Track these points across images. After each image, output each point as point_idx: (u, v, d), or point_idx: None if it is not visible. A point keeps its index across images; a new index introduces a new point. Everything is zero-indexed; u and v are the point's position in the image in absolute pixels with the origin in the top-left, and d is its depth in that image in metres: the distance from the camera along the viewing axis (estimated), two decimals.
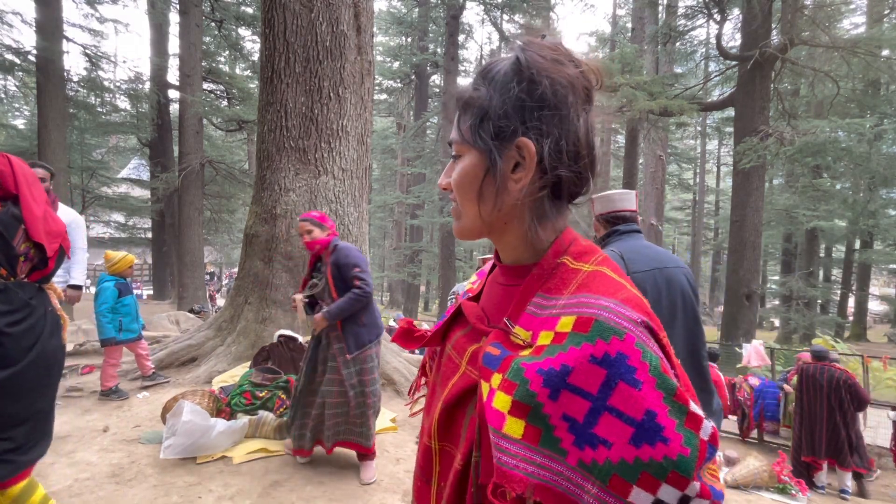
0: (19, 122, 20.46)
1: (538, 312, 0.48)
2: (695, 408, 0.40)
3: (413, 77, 18.97)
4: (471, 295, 0.65)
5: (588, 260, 0.52)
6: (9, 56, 11.05)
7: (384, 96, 21.28)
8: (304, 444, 2.56)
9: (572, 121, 0.49)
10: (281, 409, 3.07)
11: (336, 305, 2.41)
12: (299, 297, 2.54)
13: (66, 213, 3.21)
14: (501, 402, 0.43)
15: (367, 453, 2.58)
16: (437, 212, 15.36)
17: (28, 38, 16.16)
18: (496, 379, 0.45)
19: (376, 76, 16.39)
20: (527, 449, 0.41)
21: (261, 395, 3.13)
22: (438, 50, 17.99)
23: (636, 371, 0.40)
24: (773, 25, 11.00)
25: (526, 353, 0.45)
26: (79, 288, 3.26)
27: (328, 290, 2.49)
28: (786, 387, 6.13)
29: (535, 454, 0.41)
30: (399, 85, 19.95)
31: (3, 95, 15.02)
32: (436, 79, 20.12)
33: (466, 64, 18.91)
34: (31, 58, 10.26)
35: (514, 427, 0.42)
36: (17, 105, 21.67)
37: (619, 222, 1.81)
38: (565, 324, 0.44)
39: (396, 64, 19.92)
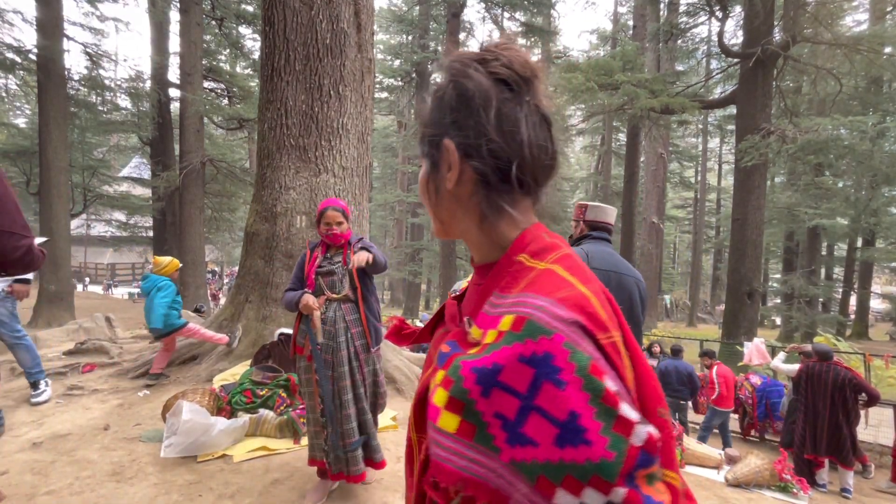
0: (20, 121, 20.50)
1: (490, 311, 0.49)
2: (627, 411, 0.39)
3: (414, 75, 18.93)
4: (458, 294, 0.66)
5: (544, 258, 0.52)
6: (10, 55, 11.05)
7: (385, 94, 21.24)
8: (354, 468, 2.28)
9: (488, 118, 0.51)
10: (281, 408, 3.07)
11: (378, 254, 2.31)
12: (313, 300, 2.19)
13: None
14: (439, 397, 0.43)
15: (378, 468, 2.42)
16: None
17: (29, 37, 16.17)
18: (439, 375, 0.45)
19: (377, 74, 16.37)
20: (460, 444, 0.42)
21: (261, 393, 3.13)
22: (439, 48, 17.95)
23: (561, 371, 0.39)
24: (776, 22, 10.95)
25: (473, 351, 0.46)
26: (27, 282, 3.16)
27: (350, 279, 2.32)
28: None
29: (469, 449, 0.41)
30: (400, 83, 19.92)
31: (4, 94, 15.02)
32: (436, 77, 20.08)
33: None
34: (32, 56, 10.26)
35: (449, 422, 0.42)
36: (18, 104, 21.72)
37: (598, 229, 2.13)
38: (505, 322, 0.44)
39: (397, 62, 19.88)
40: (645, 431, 0.39)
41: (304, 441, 2.95)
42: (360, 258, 2.19)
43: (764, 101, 10.59)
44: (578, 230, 2.19)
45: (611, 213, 2.18)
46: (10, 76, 12.66)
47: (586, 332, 0.43)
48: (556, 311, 0.43)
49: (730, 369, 6.30)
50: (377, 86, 19.04)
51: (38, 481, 2.33)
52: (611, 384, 0.40)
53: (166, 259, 4.17)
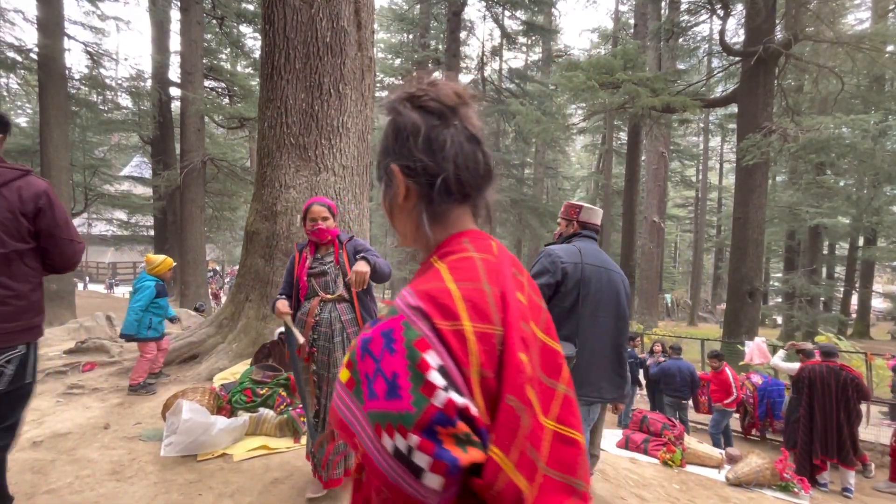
0: (21, 121, 20.51)
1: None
2: (434, 378, 0.49)
3: (414, 74, 18.92)
4: None
5: (444, 259, 0.62)
6: (10, 54, 11.05)
7: (385, 93, 21.20)
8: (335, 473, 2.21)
9: (416, 143, 0.63)
10: (281, 407, 3.06)
11: (376, 260, 2.17)
12: (283, 305, 2.16)
13: None
14: (345, 358, 0.57)
15: None
16: None
17: (30, 36, 16.17)
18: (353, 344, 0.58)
19: (377, 73, 16.34)
20: (345, 394, 0.54)
21: (261, 392, 3.13)
22: (440, 47, 17.93)
23: (395, 342, 0.51)
24: (777, 21, 10.91)
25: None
26: None
27: (343, 278, 2.27)
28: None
29: (349, 399, 0.53)
30: (400, 82, 19.90)
31: (5, 93, 15.03)
32: (437, 76, 20.06)
33: (468, 60, 18.81)
34: (33, 56, 10.27)
35: (344, 375, 0.55)
36: (19, 103, 21.73)
37: (587, 229, 2.34)
38: (389, 306, 0.58)
39: (398, 61, 19.86)
40: (446, 397, 0.49)
41: (304, 440, 2.95)
42: (360, 275, 2.01)
43: (765, 100, 10.55)
44: (571, 229, 2.37)
45: (600, 216, 2.41)
46: (12, 75, 12.66)
47: (425, 316, 0.53)
48: (408, 299, 0.56)
49: (732, 370, 6.29)
50: (378, 84, 19.02)
51: (38, 480, 2.33)
52: (429, 357, 0.50)
53: (159, 258, 4.10)
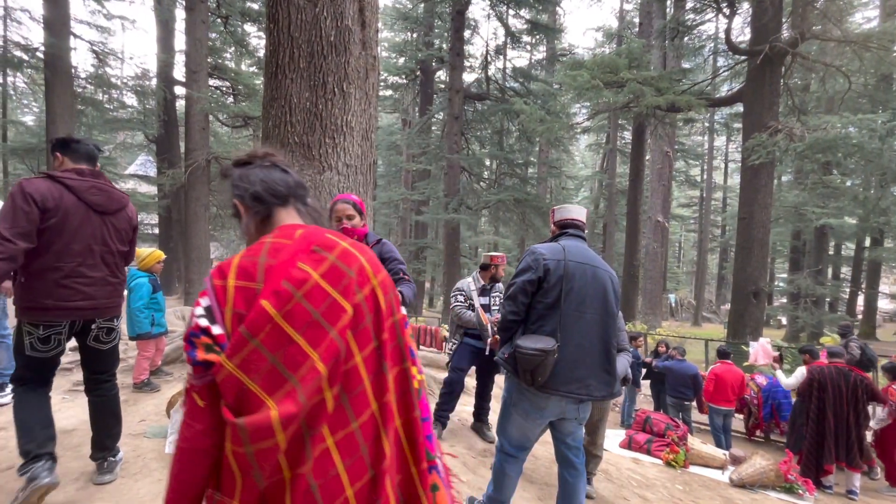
0: (28, 119, 20.68)
1: None
2: (196, 311, 0.89)
3: (418, 73, 18.89)
4: None
5: (247, 248, 1.01)
6: (17, 53, 11.14)
7: (389, 92, 21.22)
8: None
9: (237, 180, 1.08)
10: None
11: (408, 288, 2.05)
12: None
13: None
14: None
15: None
16: (442, 208, 15.32)
17: (36, 35, 16.27)
18: None
19: (381, 72, 16.36)
20: None
21: None
22: (444, 46, 17.90)
23: (201, 299, 0.92)
24: (784, 19, 10.83)
25: None
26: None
27: None
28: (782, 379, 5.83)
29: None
30: (404, 81, 19.88)
31: (12, 92, 15.15)
32: (441, 75, 20.04)
33: (472, 59, 18.77)
34: (40, 55, 10.34)
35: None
36: (25, 102, 21.90)
37: (570, 227, 2.34)
38: None
39: (402, 60, 19.84)
40: (195, 321, 0.89)
41: None
42: None
43: (771, 99, 10.48)
44: (552, 231, 2.45)
45: (575, 211, 2.38)
46: (18, 74, 12.78)
47: (210, 277, 0.92)
48: (212, 270, 0.94)
49: (731, 369, 6.23)
50: (381, 83, 19.04)
51: None
52: (202, 300, 0.90)
53: (146, 251, 3.98)
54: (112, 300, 2.25)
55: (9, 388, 3.34)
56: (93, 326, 2.20)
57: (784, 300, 19.55)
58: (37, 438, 2.04)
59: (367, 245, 2.17)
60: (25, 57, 11.08)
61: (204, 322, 0.86)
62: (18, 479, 2.29)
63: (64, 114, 9.39)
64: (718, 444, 5.70)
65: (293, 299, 0.88)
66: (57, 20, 9.35)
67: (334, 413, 0.89)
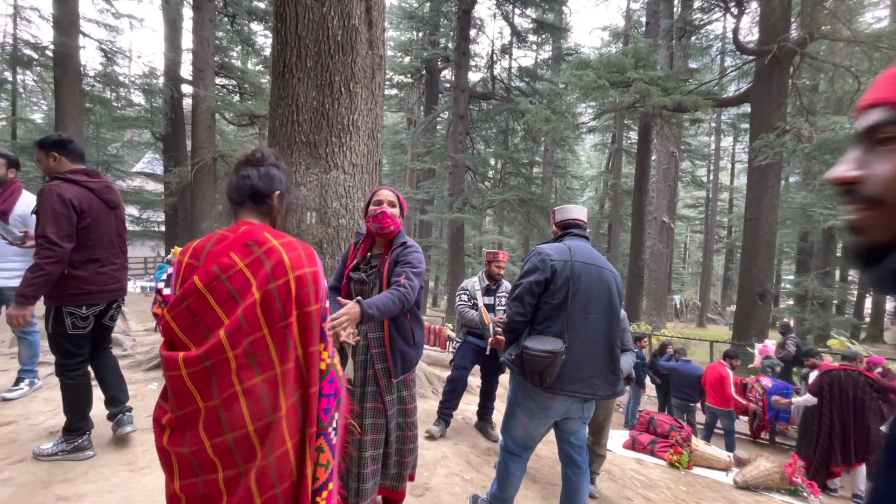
0: (37, 117, 20.88)
1: None
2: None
3: (424, 72, 18.90)
4: None
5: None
6: (27, 51, 11.26)
7: (395, 91, 21.24)
8: (363, 502, 1.94)
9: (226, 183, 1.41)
10: None
11: (379, 300, 1.78)
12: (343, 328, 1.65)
13: (23, 203, 3.16)
14: None
15: (396, 500, 2.15)
16: (447, 207, 15.33)
17: (46, 34, 16.42)
18: None
19: (388, 71, 16.36)
20: None
21: None
22: (449, 45, 17.90)
23: (170, 268, 2.30)
24: (793, 19, 10.74)
25: None
26: None
27: (379, 289, 1.96)
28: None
29: None
30: (410, 80, 19.89)
31: (21, 90, 15.30)
32: (446, 74, 20.04)
33: (477, 59, 18.74)
34: (49, 53, 10.44)
35: None
36: (35, 100, 22.10)
37: (573, 227, 2.35)
38: None
39: (407, 59, 19.86)
40: (157, 286, 2.64)
41: None
42: (336, 322, 1.59)
43: (779, 100, 10.41)
44: (558, 232, 2.43)
45: (576, 211, 2.40)
46: (28, 72, 12.88)
47: (180, 253, 1.26)
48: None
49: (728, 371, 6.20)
50: (387, 82, 19.04)
51: (54, 469, 2.38)
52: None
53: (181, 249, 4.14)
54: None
55: (23, 383, 3.39)
56: (114, 305, 2.60)
57: (790, 302, 19.41)
58: (86, 417, 2.53)
59: (393, 246, 2.04)
60: (35, 55, 11.20)
61: (162, 286, 1.58)
62: (31, 472, 2.33)
63: (73, 112, 9.48)
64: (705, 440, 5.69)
65: (218, 279, 1.20)
66: (66, 19, 9.44)
67: (243, 368, 1.17)
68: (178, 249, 4.16)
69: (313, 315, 1.28)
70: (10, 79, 13.32)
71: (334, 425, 1.36)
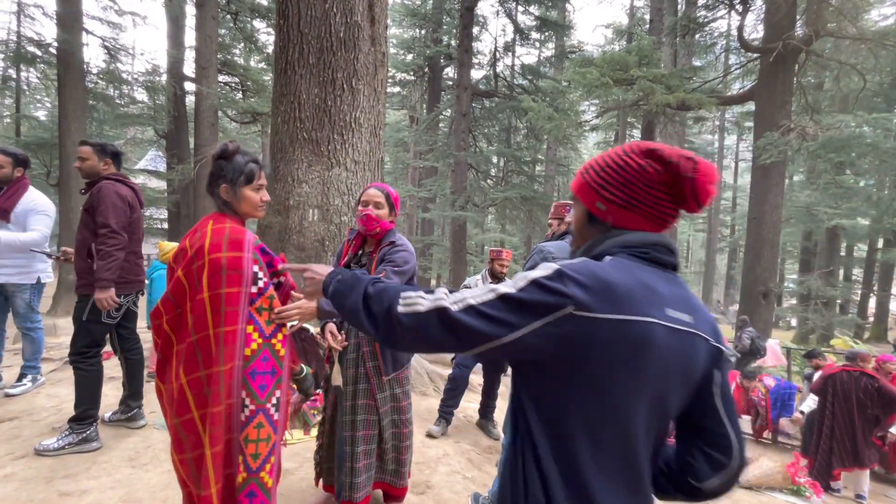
0: (41, 114, 20.90)
1: None
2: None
3: (426, 70, 18.85)
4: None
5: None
6: (31, 48, 11.27)
7: (397, 89, 21.20)
8: (356, 495, 1.94)
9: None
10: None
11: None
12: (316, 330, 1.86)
13: (27, 200, 3.16)
14: None
15: (397, 495, 2.16)
16: (449, 205, 15.30)
17: (49, 31, 16.46)
18: None
19: (390, 69, 16.33)
20: None
21: None
22: (452, 42, 17.84)
23: None
24: (798, 16, 10.66)
25: None
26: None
27: None
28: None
29: None
30: (412, 78, 19.84)
31: (25, 87, 15.32)
32: (449, 71, 19.98)
33: (480, 56, 18.66)
34: (52, 50, 10.44)
35: None
36: (38, 97, 22.15)
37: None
38: None
39: (410, 56, 19.80)
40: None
41: (314, 432, 2.98)
42: (281, 314, 1.53)
43: (784, 98, 10.34)
44: (563, 227, 2.38)
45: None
46: (32, 69, 12.91)
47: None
48: None
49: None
50: (390, 80, 19.00)
51: (56, 465, 2.39)
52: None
53: (169, 245, 4.00)
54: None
55: (26, 379, 3.40)
56: (139, 294, 2.88)
57: (794, 301, 19.33)
58: (98, 404, 2.69)
59: (381, 245, 2.02)
60: (38, 52, 11.21)
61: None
62: (33, 468, 2.34)
63: (76, 109, 9.49)
64: None
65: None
66: (69, 16, 9.44)
67: (179, 332, 1.47)
68: (164, 244, 4.15)
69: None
70: (14, 76, 13.36)
71: (273, 402, 1.47)
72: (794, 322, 19.25)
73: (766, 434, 6.74)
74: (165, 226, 16.01)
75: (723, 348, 0.89)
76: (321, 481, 2.19)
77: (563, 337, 0.75)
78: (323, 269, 1.15)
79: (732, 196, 30.29)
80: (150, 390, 3.60)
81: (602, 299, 0.75)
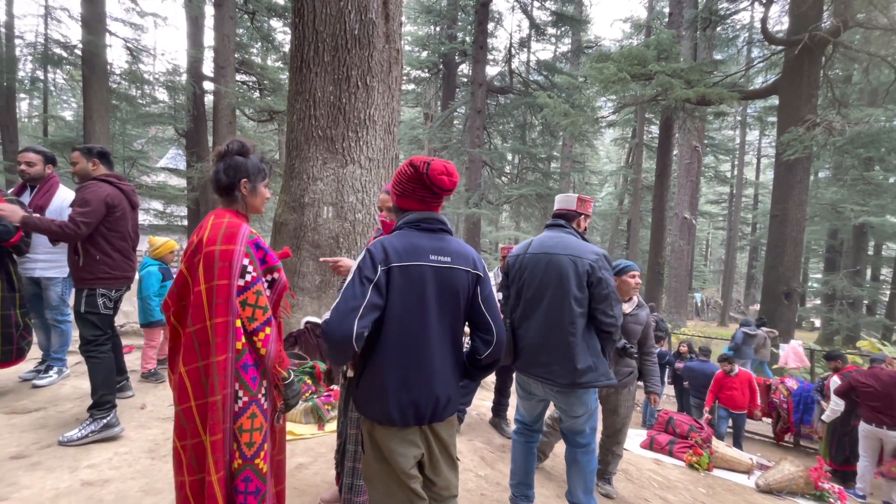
0: (67, 114, 21.54)
1: None
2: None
3: (441, 66, 18.81)
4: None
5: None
6: (57, 50, 11.61)
7: (411, 86, 21.21)
8: (357, 499, 1.94)
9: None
10: (307, 395, 3.14)
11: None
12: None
13: (60, 198, 3.25)
14: None
15: None
16: (463, 203, 15.28)
17: (74, 33, 16.91)
18: None
19: (404, 66, 16.34)
20: None
21: None
22: (467, 39, 17.75)
23: None
24: (825, 7, 10.30)
25: None
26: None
27: None
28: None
29: None
30: (427, 75, 19.82)
31: (52, 88, 15.79)
32: (464, 68, 19.90)
33: (495, 52, 18.54)
34: (78, 52, 10.73)
35: None
36: (64, 97, 22.82)
37: (555, 217, 2.46)
38: None
39: (424, 53, 19.78)
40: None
41: (328, 427, 3.01)
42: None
43: (810, 91, 10.01)
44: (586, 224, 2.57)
45: (559, 201, 2.51)
46: (58, 70, 13.30)
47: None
48: None
49: (747, 372, 6.04)
50: (404, 77, 19.01)
51: (80, 454, 2.46)
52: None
53: (160, 240, 4.00)
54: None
55: (52, 371, 3.51)
56: (124, 290, 2.91)
57: (818, 301, 18.78)
58: (115, 388, 2.82)
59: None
60: (65, 54, 11.53)
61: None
62: (58, 457, 2.41)
63: (100, 109, 9.74)
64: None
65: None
66: (93, 18, 9.69)
67: (182, 323, 1.53)
68: (154, 239, 4.14)
69: (214, 290, 1.45)
70: (42, 77, 13.78)
71: (263, 391, 1.53)
72: (817, 323, 18.70)
73: (788, 437, 6.58)
74: (185, 223, 16.33)
75: (479, 273, 1.54)
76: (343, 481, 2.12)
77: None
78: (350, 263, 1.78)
79: (754, 193, 29.52)
80: (168, 384, 3.69)
81: (391, 256, 1.42)
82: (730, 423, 5.86)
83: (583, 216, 2.46)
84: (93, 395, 2.66)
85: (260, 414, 1.50)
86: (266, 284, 1.57)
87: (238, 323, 1.48)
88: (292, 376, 1.61)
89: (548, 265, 2.24)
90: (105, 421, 2.64)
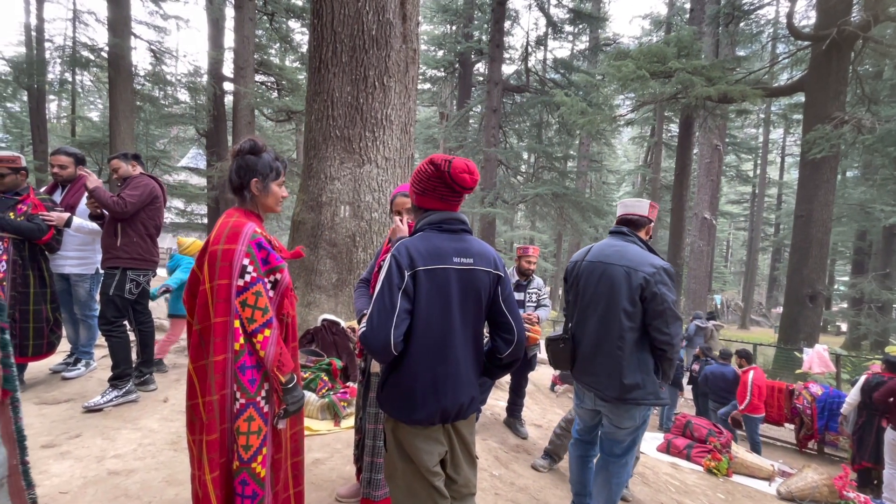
0: (94, 115, 22.21)
1: None
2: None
3: (457, 66, 18.79)
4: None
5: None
6: (85, 53, 11.98)
7: (427, 86, 21.24)
8: (375, 493, 1.94)
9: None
10: (323, 391, 3.18)
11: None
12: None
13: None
14: None
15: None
16: (478, 202, 15.24)
17: (101, 36, 17.41)
18: None
19: (420, 65, 16.37)
20: None
21: (304, 376, 3.25)
22: (483, 37, 17.70)
23: None
24: (855, 1, 9.97)
25: None
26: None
27: None
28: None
29: None
30: (443, 74, 19.83)
31: (80, 90, 16.29)
32: (480, 67, 19.84)
33: (512, 51, 18.43)
34: (104, 54, 11.06)
35: None
36: (91, 99, 23.52)
37: (619, 223, 2.36)
38: None
39: (440, 52, 19.80)
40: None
41: (345, 423, 3.04)
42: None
43: (837, 88, 9.70)
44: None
45: (623, 206, 2.39)
46: (85, 72, 13.72)
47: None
48: None
49: (763, 376, 5.87)
50: (420, 77, 19.06)
51: (106, 445, 2.55)
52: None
53: (189, 240, 4.21)
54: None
55: (80, 364, 3.64)
56: (150, 275, 3.24)
57: (844, 305, 18.20)
58: (132, 362, 3.17)
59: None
60: (91, 56, 11.90)
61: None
62: (86, 447, 2.49)
63: (125, 110, 10.01)
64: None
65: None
66: (119, 21, 9.96)
67: (195, 320, 1.51)
68: (183, 239, 4.32)
69: (215, 289, 1.45)
70: (70, 79, 14.24)
71: (263, 394, 1.50)
72: (843, 327, 18.12)
73: (812, 444, 6.41)
74: (205, 220, 16.68)
75: (500, 273, 1.53)
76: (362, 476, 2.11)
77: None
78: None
79: (778, 193, 28.77)
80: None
81: (416, 260, 1.42)
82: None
83: (651, 223, 2.34)
84: (114, 370, 3.03)
85: (258, 417, 1.47)
86: (269, 285, 1.51)
87: (237, 324, 1.45)
88: (293, 381, 1.53)
89: (602, 275, 2.18)
90: (125, 389, 3.06)
